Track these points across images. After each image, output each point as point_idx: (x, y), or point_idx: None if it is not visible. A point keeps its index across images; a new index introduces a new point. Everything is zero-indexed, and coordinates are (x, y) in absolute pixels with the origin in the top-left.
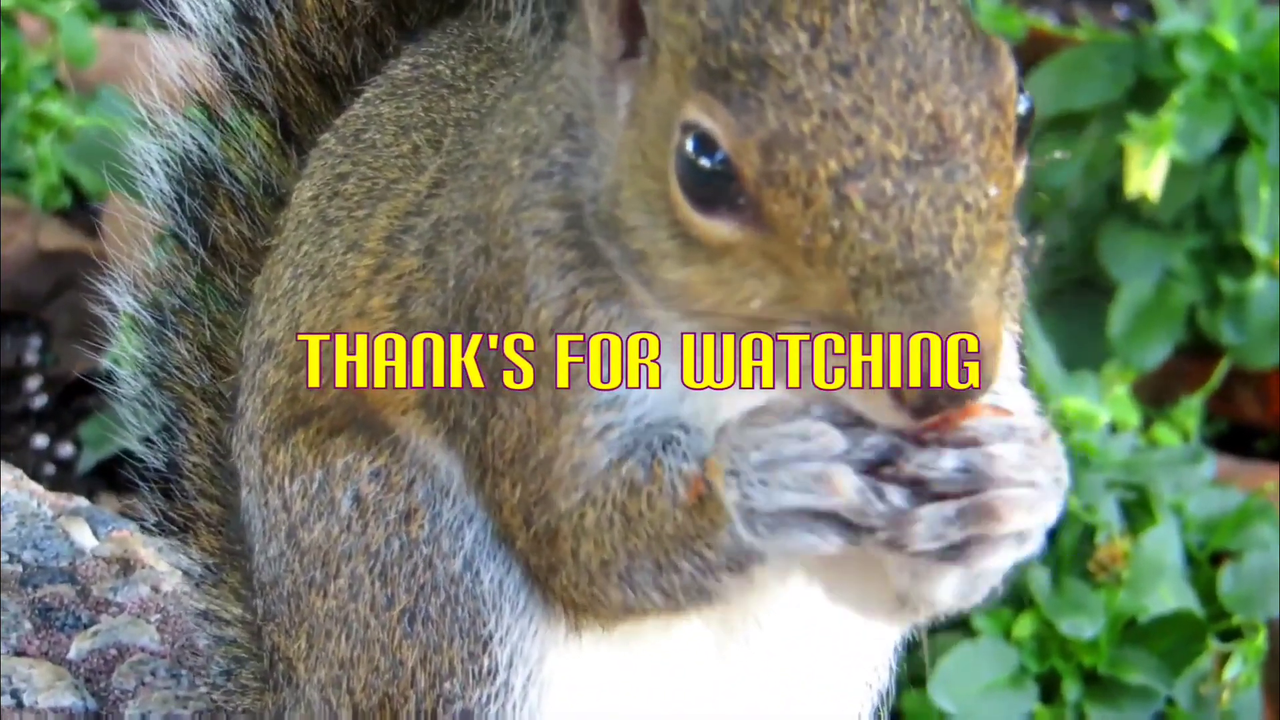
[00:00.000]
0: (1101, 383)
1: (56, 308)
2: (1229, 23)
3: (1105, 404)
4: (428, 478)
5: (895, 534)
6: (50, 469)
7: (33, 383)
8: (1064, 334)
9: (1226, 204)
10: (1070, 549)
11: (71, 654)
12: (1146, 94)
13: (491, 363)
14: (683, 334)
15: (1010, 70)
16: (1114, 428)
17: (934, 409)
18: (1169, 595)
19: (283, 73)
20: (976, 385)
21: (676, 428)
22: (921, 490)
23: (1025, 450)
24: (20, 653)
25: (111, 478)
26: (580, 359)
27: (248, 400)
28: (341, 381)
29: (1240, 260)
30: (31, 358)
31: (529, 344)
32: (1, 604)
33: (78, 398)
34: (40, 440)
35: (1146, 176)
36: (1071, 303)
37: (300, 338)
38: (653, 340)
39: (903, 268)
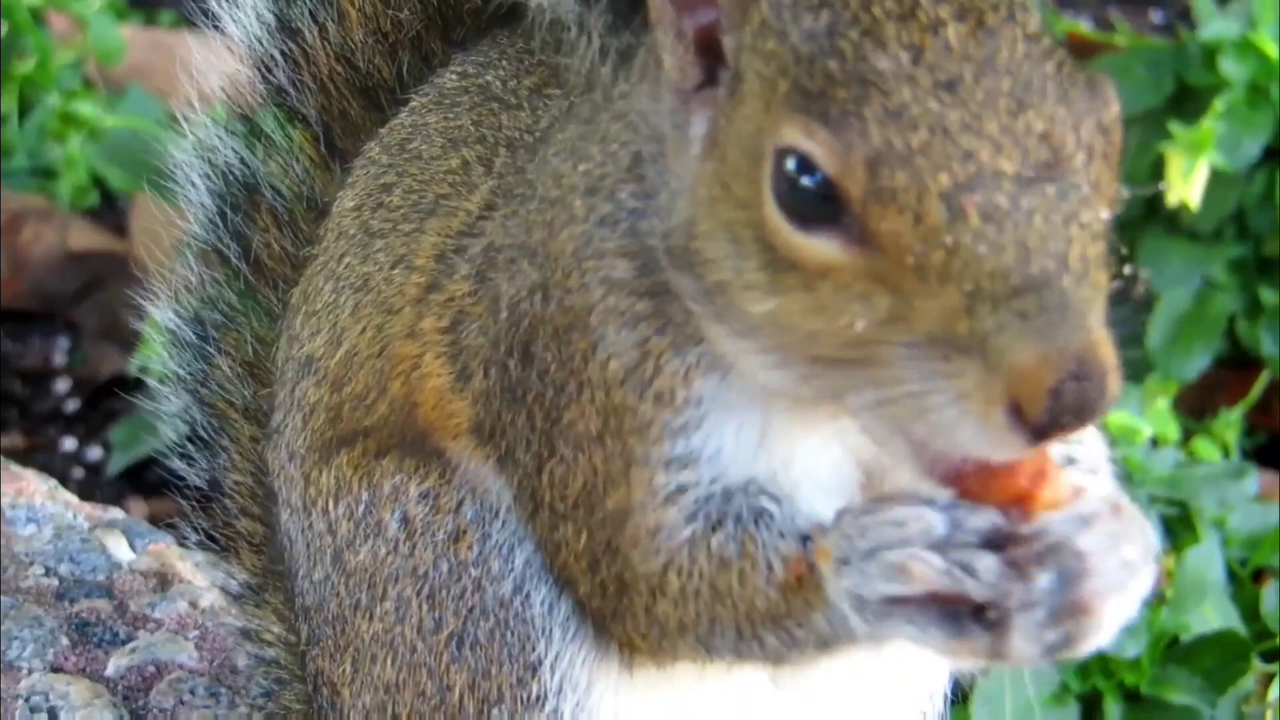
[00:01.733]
0: (1143, 396)
1: (85, 308)
2: (1270, 29)
3: (1147, 418)
4: (477, 500)
5: (995, 644)
6: (79, 472)
7: (61, 385)
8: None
9: (1267, 213)
10: None
11: (109, 671)
12: (1187, 101)
13: (549, 402)
14: (760, 382)
15: (1115, 101)
16: (1155, 442)
17: (1057, 428)
18: (1212, 614)
19: (326, 85)
20: (1100, 403)
21: (762, 495)
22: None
23: (1112, 533)
24: (57, 669)
25: (141, 481)
26: (653, 411)
27: (286, 418)
28: (390, 403)
29: None
30: (60, 359)
31: (598, 394)
32: (39, 619)
33: (106, 399)
34: (69, 443)
35: (1187, 185)
36: (1110, 313)
37: (344, 356)
38: (728, 390)
39: (1020, 282)
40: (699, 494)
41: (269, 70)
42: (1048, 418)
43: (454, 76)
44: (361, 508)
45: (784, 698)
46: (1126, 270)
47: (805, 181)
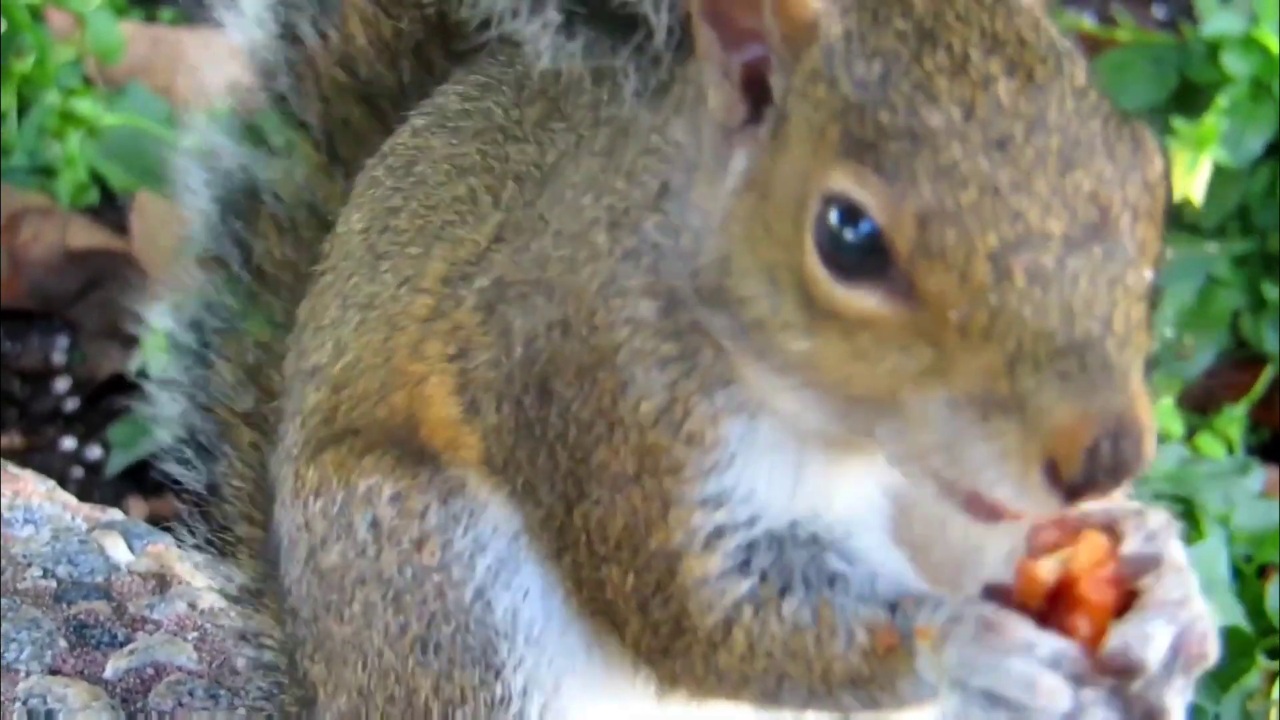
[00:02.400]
0: (1150, 393)
1: (85, 307)
2: (1273, 25)
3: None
4: (442, 506)
5: None
6: (78, 471)
7: (61, 384)
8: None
9: (1271, 209)
10: None
11: (107, 673)
12: (1190, 97)
13: (573, 441)
14: (794, 420)
15: (1159, 156)
16: (1160, 439)
17: (1093, 487)
18: (1217, 611)
19: (327, 93)
20: (1137, 463)
21: (831, 554)
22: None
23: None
24: (55, 671)
25: (141, 480)
26: (685, 452)
27: (288, 424)
28: (390, 409)
29: None
30: (59, 358)
31: (631, 434)
32: (37, 621)
33: (106, 399)
34: (68, 442)
35: (1190, 181)
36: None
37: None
38: (756, 432)
39: (1064, 344)
40: (739, 540)
41: (271, 77)
42: (1083, 477)
43: (456, 98)
44: (336, 507)
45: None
46: None
47: (849, 235)
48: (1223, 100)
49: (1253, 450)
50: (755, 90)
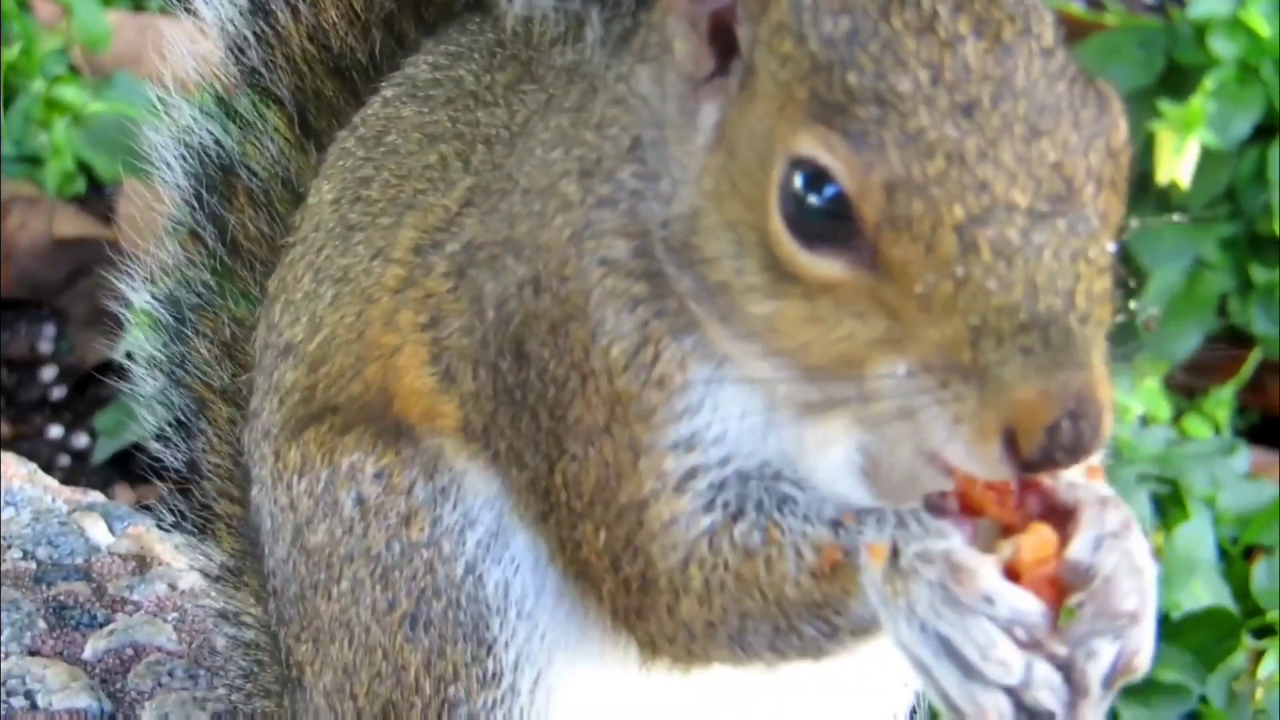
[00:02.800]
0: (1133, 374)
1: (71, 296)
2: (1260, 7)
3: (1137, 396)
4: (429, 482)
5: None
6: (65, 460)
7: (48, 372)
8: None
9: (1258, 191)
10: None
11: (87, 654)
12: (1177, 80)
13: (551, 400)
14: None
15: (1123, 120)
16: (1145, 420)
17: (1049, 464)
18: (1202, 591)
19: (299, 66)
20: (1094, 442)
21: (783, 481)
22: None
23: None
24: (34, 652)
25: (127, 468)
26: (655, 396)
27: (263, 401)
28: (365, 383)
29: (1271, 249)
30: (46, 346)
31: (601, 383)
32: (16, 602)
33: (93, 387)
34: (55, 430)
35: (1177, 163)
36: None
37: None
38: (725, 377)
39: (1027, 319)
40: (711, 479)
41: (242, 51)
42: (1040, 453)
43: (426, 67)
44: (321, 485)
45: (748, 677)
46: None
47: (814, 199)
48: (1210, 83)
49: (1240, 432)
50: (722, 41)
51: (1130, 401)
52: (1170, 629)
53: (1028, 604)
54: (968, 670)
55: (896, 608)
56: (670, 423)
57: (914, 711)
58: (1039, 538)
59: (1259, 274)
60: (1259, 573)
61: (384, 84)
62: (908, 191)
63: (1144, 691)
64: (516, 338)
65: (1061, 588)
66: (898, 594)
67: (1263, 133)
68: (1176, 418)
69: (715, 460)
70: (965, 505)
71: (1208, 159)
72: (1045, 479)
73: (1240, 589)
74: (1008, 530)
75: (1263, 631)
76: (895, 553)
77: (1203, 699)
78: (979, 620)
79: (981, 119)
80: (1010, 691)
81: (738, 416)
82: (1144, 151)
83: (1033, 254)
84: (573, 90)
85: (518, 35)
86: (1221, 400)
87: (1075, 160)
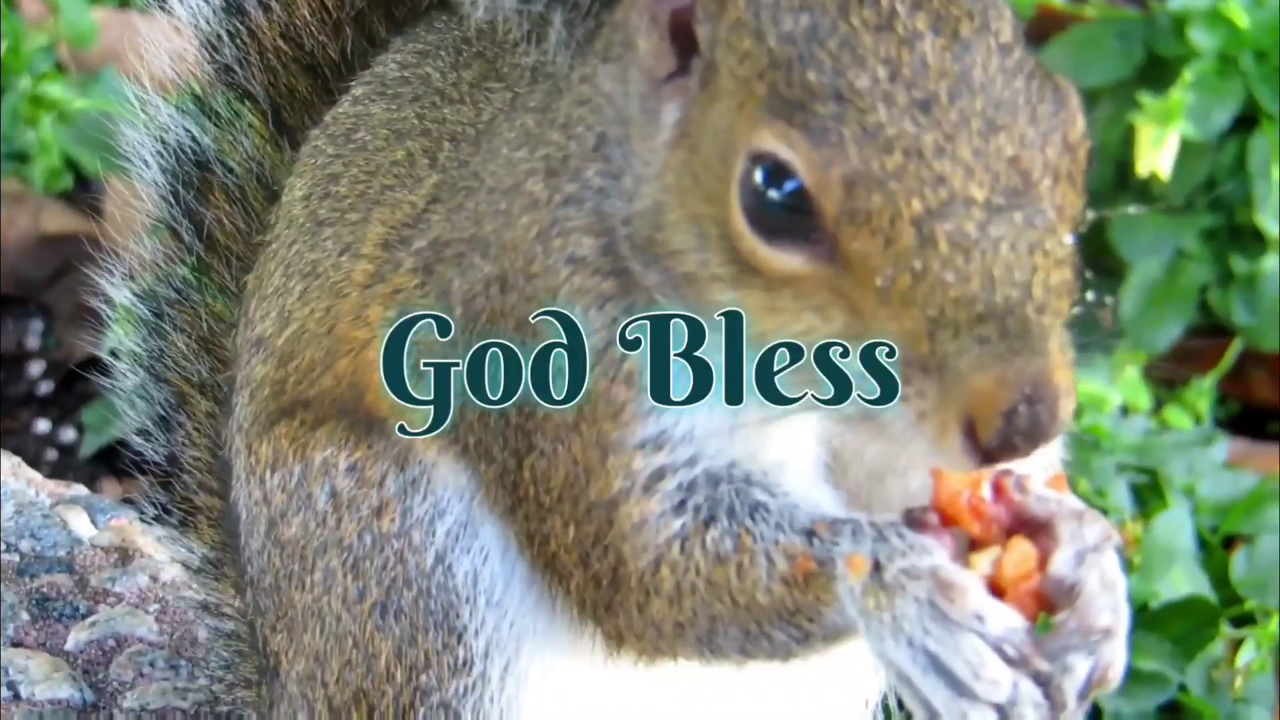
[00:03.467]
0: (1113, 365)
1: (58, 291)
2: None
3: (1116, 386)
4: (400, 474)
5: None
6: (52, 454)
7: (35, 367)
8: (1073, 315)
9: (1238, 183)
10: None
11: (69, 645)
12: (1157, 72)
13: (520, 396)
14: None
15: (1080, 114)
16: (1125, 410)
17: (1009, 449)
18: (1181, 580)
19: (273, 64)
20: (1052, 426)
21: (755, 487)
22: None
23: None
24: (17, 643)
25: (114, 463)
26: (624, 393)
27: (237, 396)
28: (335, 377)
29: (1252, 240)
30: (33, 342)
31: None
32: None
33: (80, 382)
34: (42, 425)
35: (1157, 155)
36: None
37: (292, 335)
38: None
39: (984, 310)
40: (680, 479)
41: (215, 49)
42: (999, 440)
43: (395, 65)
44: (294, 480)
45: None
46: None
47: (774, 194)
48: (1189, 74)
49: (1221, 423)
50: (683, 40)
51: (1110, 392)
52: (1149, 618)
53: (1015, 621)
54: (957, 687)
55: (880, 622)
56: (638, 419)
57: (884, 702)
58: (1020, 553)
59: (1239, 265)
60: (1238, 562)
61: (355, 82)
62: (866, 186)
63: (1124, 680)
64: (485, 335)
65: (1042, 602)
66: (881, 608)
67: (1242, 124)
68: (1157, 408)
69: (683, 459)
70: (945, 518)
71: (1187, 150)
72: (1014, 492)
73: (1219, 578)
74: (977, 543)
75: (1241, 620)
76: (878, 566)
77: (1182, 687)
78: (969, 638)
79: (939, 114)
80: (998, 709)
81: (705, 413)
82: (1124, 143)
83: (990, 247)
84: (537, 90)
85: (483, 33)
86: (1202, 391)
87: (1032, 154)
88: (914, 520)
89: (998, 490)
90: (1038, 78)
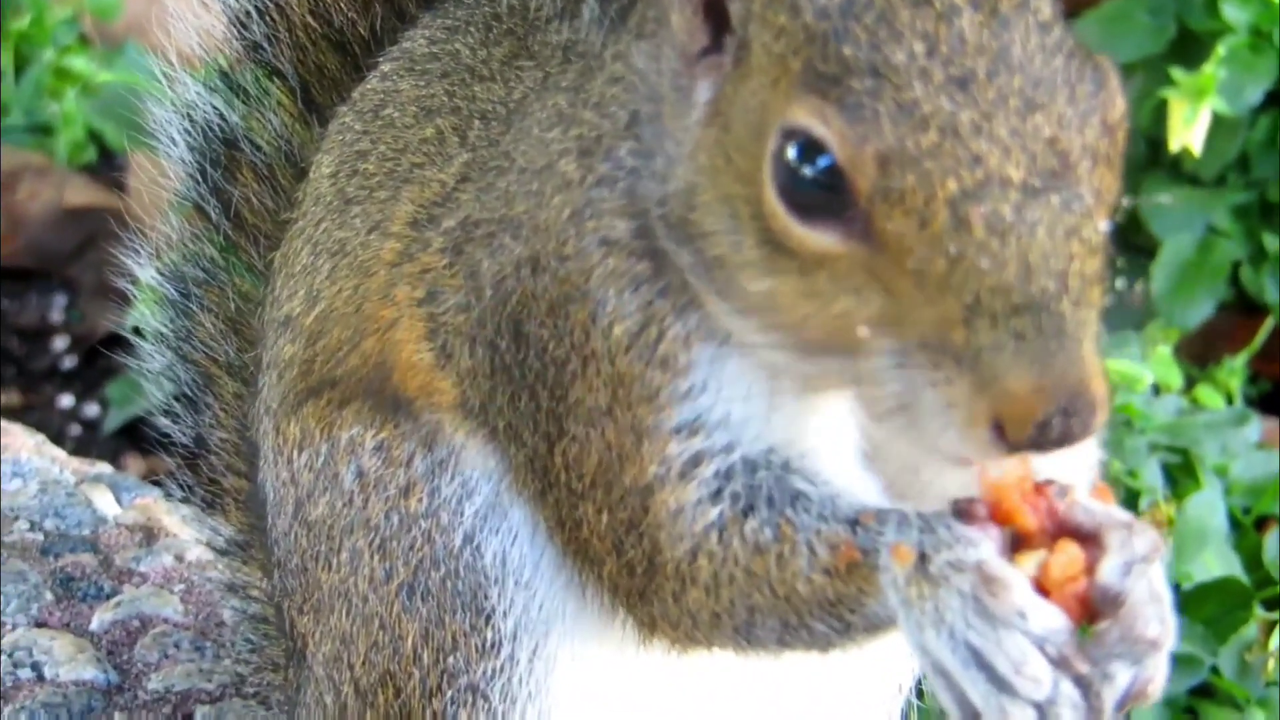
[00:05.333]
0: (1144, 343)
1: (82, 265)
2: None
3: (1148, 365)
4: (428, 453)
5: None
6: (76, 430)
7: (59, 342)
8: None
9: (1270, 159)
10: None
11: (93, 625)
12: (1189, 47)
13: (552, 381)
14: (763, 352)
15: (1120, 95)
16: (1157, 389)
17: (1037, 450)
18: (1213, 562)
19: (301, 40)
20: (1085, 436)
21: (794, 475)
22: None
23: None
24: (41, 624)
25: (138, 438)
26: (659, 377)
27: (264, 376)
28: (363, 356)
29: None
30: (57, 316)
31: (603, 365)
32: (23, 574)
33: (103, 356)
34: (66, 400)
35: (1189, 131)
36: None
37: (320, 314)
38: (729, 357)
39: (1020, 301)
40: (717, 466)
41: (244, 25)
42: (1029, 444)
43: (424, 41)
44: (321, 459)
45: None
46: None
47: (807, 171)
48: (1222, 49)
49: (1252, 401)
50: (716, 16)
51: (1142, 370)
52: (1181, 600)
53: (1059, 621)
54: (998, 683)
55: (922, 613)
56: (674, 404)
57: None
58: (1068, 556)
59: (1271, 242)
60: (1271, 543)
61: (383, 58)
62: (901, 164)
63: None
64: (515, 317)
65: (1086, 609)
66: (924, 598)
67: (1275, 99)
68: (1188, 387)
69: (720, 446)
70: (994, 513)
71: (1219, 126)
72: (1057, 499)
73: (1252, 560)
74: (1023, 542)
75: (1274, 603)
76: (923, 557)
77: (1214, 670)
78: (1012, 634)
79: (976, 92)
80: (1037, 707)
81: (741, 398)
82: (1155, 119)
83: (1026, 231)
84: (569, 69)
85: (513, 9)
86: (1234, 369)
87: (1071, 135)
88: (961, 512)
89: (1039, 495)
90: (1077, 57)
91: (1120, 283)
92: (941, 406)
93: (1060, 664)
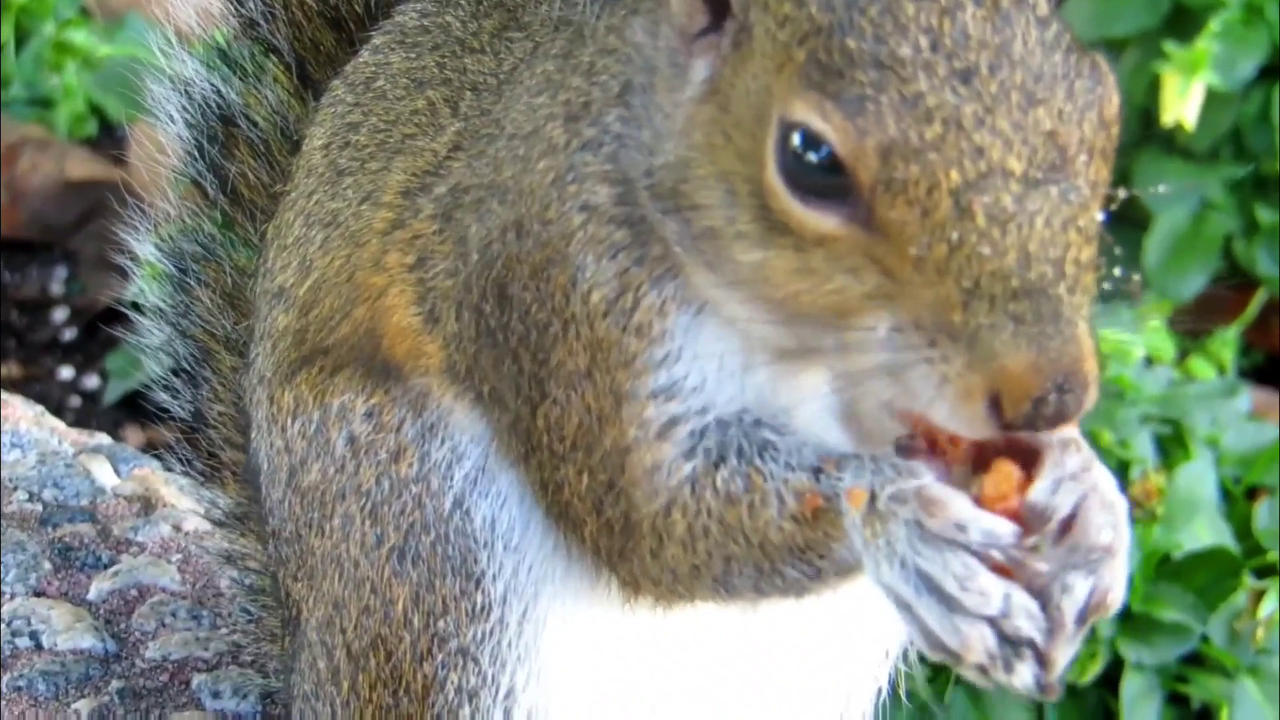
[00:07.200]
0: (1136, 314)
1: (83, 237)
2: None
3: (1140, 336)
4: (418, 418)
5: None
6: (76, 401)
7: (59, 314)
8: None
9: (1263, 132)
10: None
11: (91, 594)
12: (1183, 21)
13: (534, 344)
14: (743, 329)
15: (1116, 91)
16: (1150, 361)
17: (1030, 427)
18: (1204, 531)
19: (297, 17)
20: (1077, 413)
21: (763, 428)
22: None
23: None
24: (39, 593)
25: (137, 409)
26: (635, 344)
27: (258, 346)
28: (353, 324)
29: (1276, 190)
30: (57, 288)
31: (582, 329)
32: (22, 544)
33: (104, 329)
34: (66, 372)
35: (1182, 105)
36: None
37: (313, 284)
38: (704, 324)
39: (1019, 286)
40: (692, 426)
41: (240, 3)
42: (1024, 421)
43: (415, 15)
44: (313, 426)
45: (739, 622)
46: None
47: (811, 157)
48: (1215, 24)
49: (1245, 373)
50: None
51: (1134, 342)
52: (1172, 568)
53: (999, 526)
54: (949, 603)
55: (877, 549)
56: (650, 370)
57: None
58: (1001, 473)
59: (1264, 215)
60: (1261, 513)
61: (375, 32)
62: (904, 156)
63: (1145, 630)
64: (499, 281)
65: (1022, 523)
66: (877, 535)
67: (1268, 73)
68: (1181, 358)
69: (695, 409)
70: (931, 446)
71: (1213, 100)
72: None
73: (1242, 529)
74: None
75: (1264, 571)
76: (873, 497)
77: (1204, 638)
78: (956, 552)
79: (979, 86)
80: (991, 622)
81: (715, 365)
82: (1149, 93)
83: (1026, 220)
84: (559, 38)
85: None
86: (1226, 340)
87: (1069, 129)
88: (902, 448)
89: None
90: (1075, 52)
91: (1118, 271)
92: (935, 381)
93: (1012, 569)
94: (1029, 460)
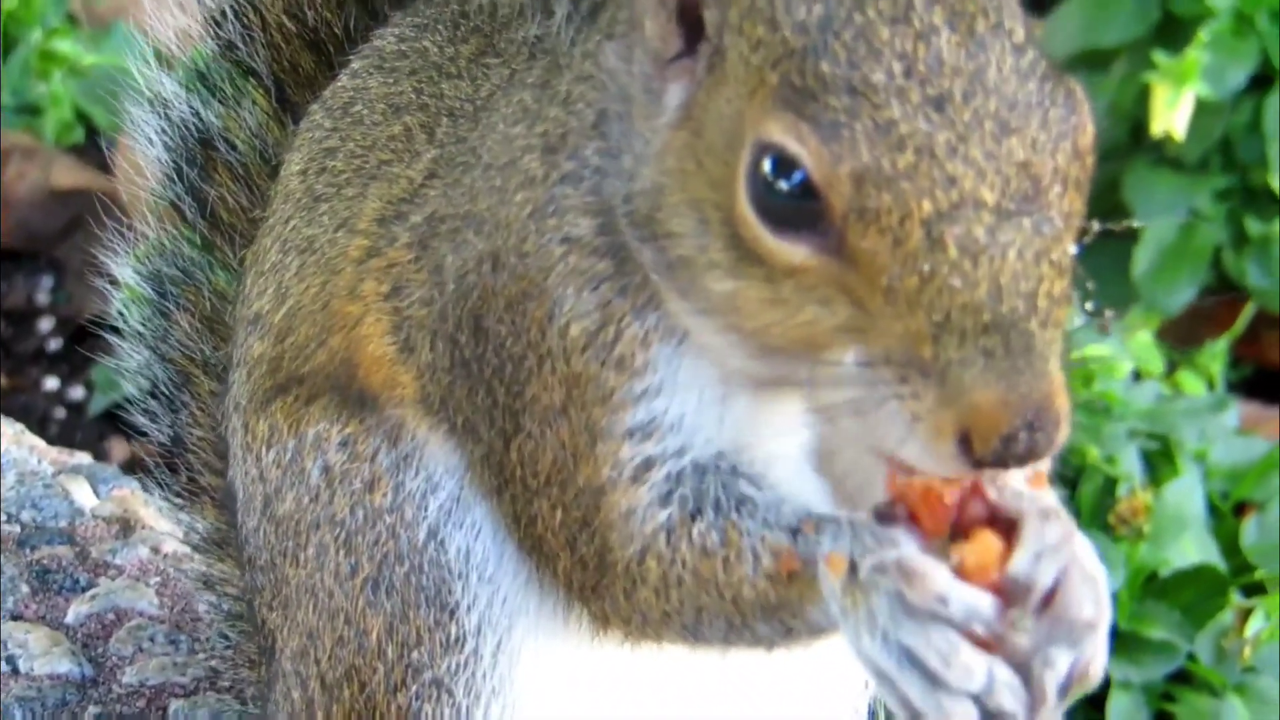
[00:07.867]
0: (1125, 327)
1: (69, 246)
2: None
3: (1128, 349)
4: (392, 448)
5: None
6: (60, 412)
7: (45, 324)
8: (1085, 276)
9: (1253, 143)
10: (1091, 501)
11: (69, 618)
12: (1172, 31)
13: (509, 377)
14: (718, 360)
15: (1090, 120)
16: (1138, 374)
17: (1001, 466)
18: (1191, 548)
19: (276, 40)
20: (1048, 450)
21: (741, 480)
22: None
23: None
24: (17, 616)
25: (122, 422)
26: (614, 378)
27: (234, 374)
28: (329, 353)
29: (1266, 201)
30: (43, 298)
31: (558, 364)
32: None
33: (89, 338)
34: (51, 383)
35: (1172, 115)
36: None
37: (288, 311)
38: (685, 357)
39: (990, 320)
40: (668, 469)
41: (219, 24)
42: (994, 458)
43: (393, 39)
44: (288, 455)
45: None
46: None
47: (782, 184)
48: (1205, 34)
49: (1235, 386)
50: (690, 22)
51: (1122, 357)
52: (1159, 586)
53: (981, 600)
54: (932, 679)
55: (857, 619)
56: (629, 405)
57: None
58: (983, 544)
59: (1254, 226)
60: (1249, 529)
61: (354, 56)
62: (877, 184)
63: (1132, 648)
64: (475, 312)
65: (1004, 596)
66: (857, 605)
67: (1258, 84)
68: (1170, 371)
69: (672, 450)
70: (912, 513)
71: (1202, 111)
72: (990, 488)
73: (1229, 546)
74: (955, 539)
75: (1252, 589)
76: (853, 566)
77: (1191, 656)
78: (939, 627)
79: (953, 113)
80: (975, 699)
81: (695, 400)
82: (1138, 103)
83: (998, 253)
84: (536, 66)
85: (481, 8)
86: (1215, 353)
87: (1043, 159)
88: (881, 514)
89: (974, 485)
90: (1050, 80)
91: (1090, 305)
92: (906, 419)
93: (994, 642)
94: (1009, 529)
